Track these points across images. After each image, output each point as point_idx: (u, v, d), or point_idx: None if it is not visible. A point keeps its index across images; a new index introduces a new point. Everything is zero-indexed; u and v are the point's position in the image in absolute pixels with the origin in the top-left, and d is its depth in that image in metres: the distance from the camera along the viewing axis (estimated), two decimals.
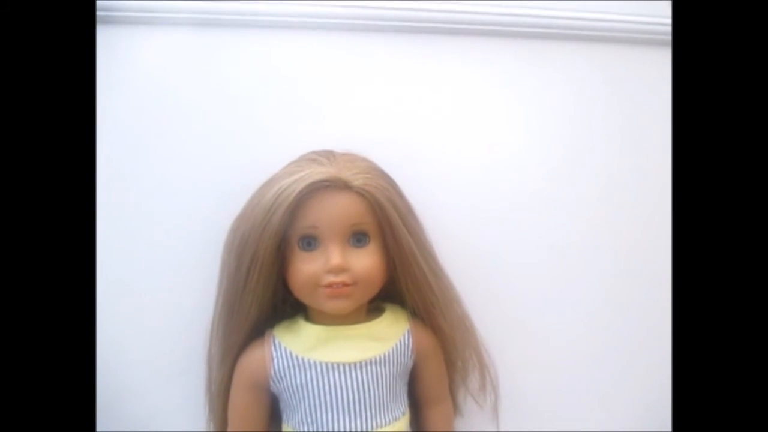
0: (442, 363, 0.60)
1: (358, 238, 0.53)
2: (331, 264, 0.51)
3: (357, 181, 0.52)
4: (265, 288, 0.53)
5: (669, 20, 0.63)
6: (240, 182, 0.55)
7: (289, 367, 0.54)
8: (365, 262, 0.53)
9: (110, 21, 0.60)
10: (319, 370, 0.53)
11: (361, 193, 0.52)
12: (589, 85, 0.68)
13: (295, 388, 0.54)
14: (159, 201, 0.62)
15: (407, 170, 0.57)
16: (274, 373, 0.54)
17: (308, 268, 0.52)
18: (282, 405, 0.56)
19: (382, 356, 0.54)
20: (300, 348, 0.54)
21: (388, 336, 0.56)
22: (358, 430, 0.53)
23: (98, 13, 0.57)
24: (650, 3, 0.66)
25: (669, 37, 0.64)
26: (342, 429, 0.53)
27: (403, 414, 0.56)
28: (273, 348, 0.55)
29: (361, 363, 0.54)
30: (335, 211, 0.52)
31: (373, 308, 0.58)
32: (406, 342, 0.56)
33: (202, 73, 0.63)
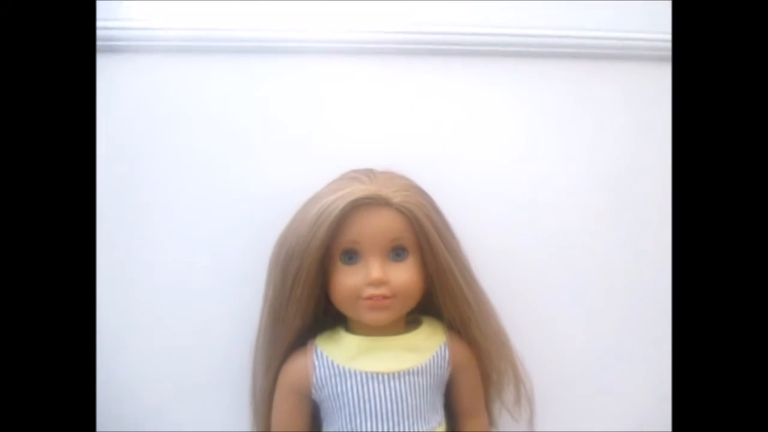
0: (478, 376, 0.61)
1: (397, 252, 0.55)
2: (371, 277, 0.53)
3: (397, 198, 0.54)
4: (308, 299, 0.55)
5: (669, 36, 0.64)
6: (279, 200, 0.58)
7: (330, 375, 0.56)
8: (404, 275, 0.54)
9: (111, 50, 0.62)
10: (359, 379, 0.55)
11: (401, 210, 0.54)
12: (597, 99, 0.70)
13: (335, 396, 0.55)
14: (207, 218, 0.65)
15: (438, 187, 0.59)
16: (317, 381, 0.56)
17: (350, 281, 0.54)
18: (323, 413, 0.58)
19: (420, 367, 0.56)
20: (341, 357, 0.56)
21: (426, 348, 0.57)
22: None
23: (98, 42, 0.59)
24: (651, 20, 0.68)
25: (669, 53, 0.64)
26: None
27: (440, 424, 0.57)
28: (315, 357, 0.57)
29: (399, 373, 0.55)
30: (376, 226, 0.54)
31: (410, 320, 0.59)
32: (443, 354, 0.58)
33: (203, 98, 0.65)
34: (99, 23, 0.59)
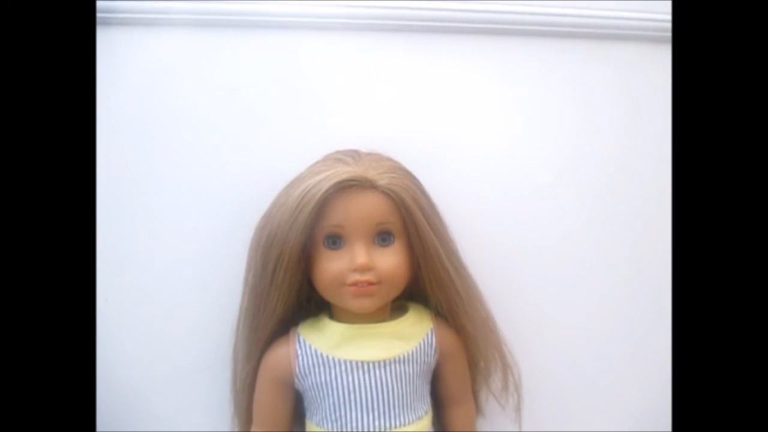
0: (465, 363, 0.60)
1: (383, 237, 0.53)
2: (356, 263, 0.51)
3: (382, 180, 0.52)
4: (290, 286, 0.54)
5: (669, 17, 0.63)
6: (261, 182, 0.56)
7: (313, 364, 0.54)
8: (390, 261, 0.53)
9: (110, 22, 0.60)
10: (343, 368, 0.54)
11: (387, 193, 0.52)
12: (595, 81, 0.68)
13: (319, 386, 0.54)
14: (180, 201, 0.63)
15: (426, 169, 0.57)
16: (299, 370, 0.55)
17: (334, 267, 0.52)
18: (306, 402, 0.57)
19: (406, 355, 0.55)
20: (324, 346, 0.55)
21: (412, 335, 0.56)
22: (382, 428, 0.53)
23: (98, 14, 0.58)
24: (651, 0, 0.66)
25: (669, 34, 0.63)
26: (365, 427, 0.53)
27: (426, 413, 0.56)
28: (298, 345, 0.55)
29: (385, 362, 0.54)
30: (361, 210, 0.52)
31: (396, 307, 0.58)
32: (430, 341, 0.57)
33: (204, 74, 0.63)
34: None
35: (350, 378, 0.53)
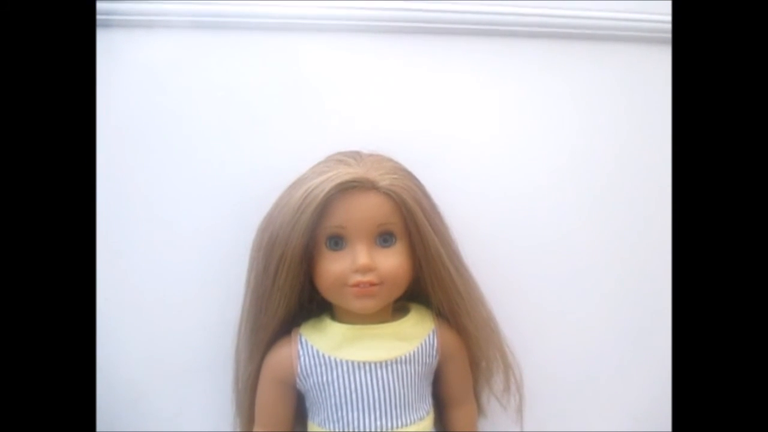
0: (467, 363, 0.60)
1: (384, 238, 0.53)
2: (358, 264, 0.51)
3: (384, 181, 0.52)
4: (292, 287, 0.54)
5: (669, 17, 0.63)
6: (262, 182, 0.56)
7: (315, 365, 0.54)
8: (391, 261, 0.53)
9: (110, 24, 0.60)
10: (345, 368, 0.54)
11: (388, 194, 0.52)
12: (594, 81, 0.68)
13: (321, 386, 0.54)
14: (181, 201, 0.63)
15: (427, 170, 0.57)
16: (301, 370, 0.55)
17: (335, 268, 0.52)
18: (308, 403, 0.57)
19: (408, 355, 0.55)
20: (326, 346, 0.55)
21: (414, 336, 0.56)
22: (383, 428, 0.53)
23: (98, 16, 0.58)
24: (650, 1, 0.66)
25: (669, 34, 0.63)
26: (367, 427, 0.53)
27: (428, 413, 0.57)
28: (300, 346, 0.55)
29: (386, 362, 0.54)
30: (362, 211, 0.52)
31: (398, 308, 0.58)
32: (431, 342, 0.57)
33: (204, 74, 0.63)
34: None
35: (352, 378, 0.53)
